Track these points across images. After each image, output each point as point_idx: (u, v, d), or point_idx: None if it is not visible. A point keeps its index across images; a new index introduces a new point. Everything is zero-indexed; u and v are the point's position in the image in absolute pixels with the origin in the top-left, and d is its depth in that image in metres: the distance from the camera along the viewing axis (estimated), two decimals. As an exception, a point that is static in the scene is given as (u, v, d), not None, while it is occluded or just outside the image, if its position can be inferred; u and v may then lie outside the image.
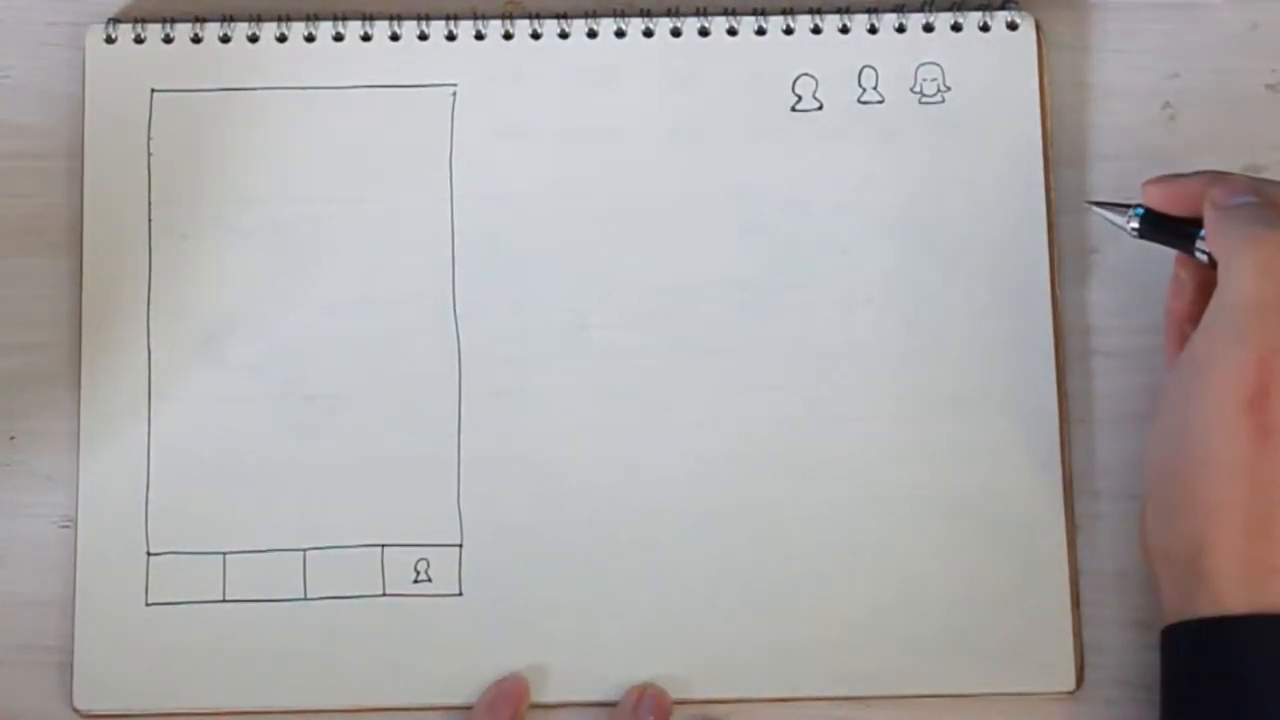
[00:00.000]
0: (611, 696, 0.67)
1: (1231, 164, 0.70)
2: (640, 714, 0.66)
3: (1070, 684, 0.67)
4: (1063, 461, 0.68)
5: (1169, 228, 0.65)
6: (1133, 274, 0.66)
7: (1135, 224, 0.66)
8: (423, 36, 0.70)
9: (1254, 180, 0.64)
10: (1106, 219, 0.67)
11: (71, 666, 0.67)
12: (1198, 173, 0.65)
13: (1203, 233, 0.64)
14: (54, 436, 0.68)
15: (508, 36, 0.71)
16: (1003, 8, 0.71)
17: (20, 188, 0.70)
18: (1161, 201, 0.65)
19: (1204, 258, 0.64)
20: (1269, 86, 0.71)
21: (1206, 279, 0.64)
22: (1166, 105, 0.71)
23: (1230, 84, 0.71)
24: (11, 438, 0.69)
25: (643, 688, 0.66)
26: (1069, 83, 0.71)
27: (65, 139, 0.70)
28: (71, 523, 0.68)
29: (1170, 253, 0.66)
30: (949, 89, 0.70)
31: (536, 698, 0.67)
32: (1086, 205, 0.69)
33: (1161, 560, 0.63)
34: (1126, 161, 0.70)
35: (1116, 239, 0.69)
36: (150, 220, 0.69)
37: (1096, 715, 0.67)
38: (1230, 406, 0.59)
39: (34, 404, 0.69)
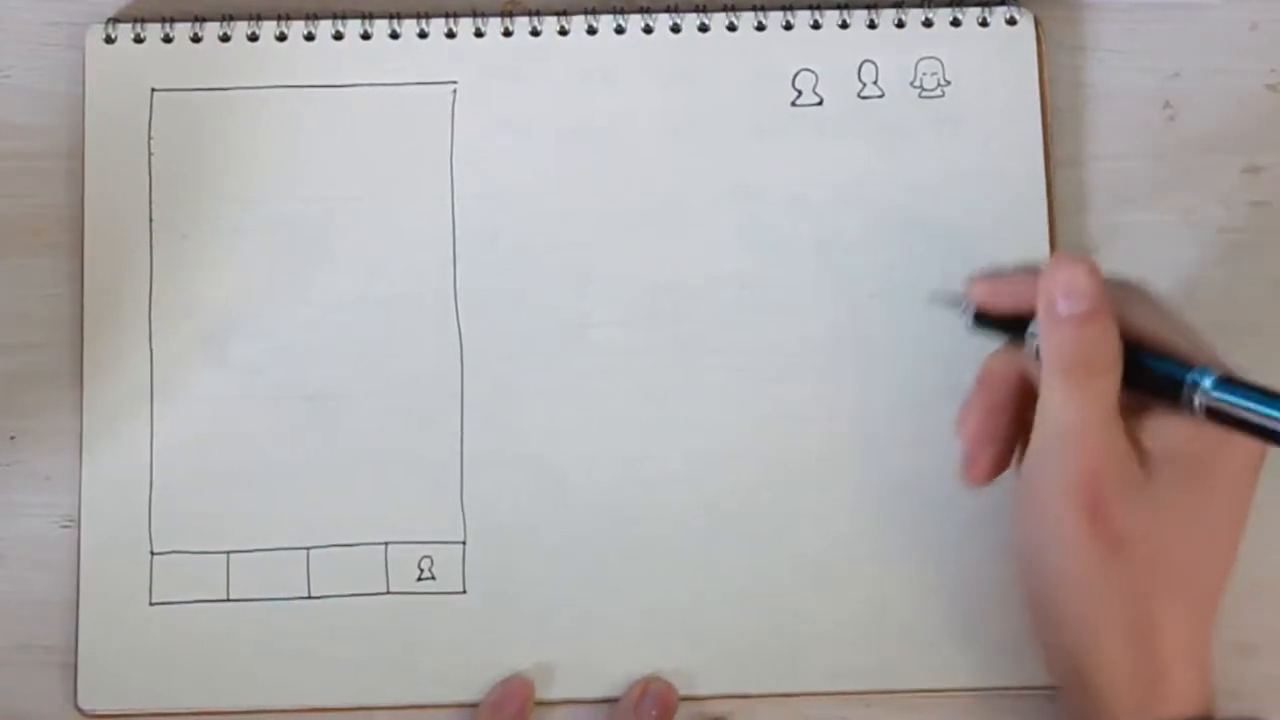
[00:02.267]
0: (615, 693, 0.67)
1: (1231, 164, 0.70)
2: (643, 709, 0.66)
3: (1069, 679, 0.68)
4: (1062, 459, 0.68)
5: (1000, 324, 0.63)
6: (1132, 274, 0.66)
7: (968, 319, 0.63)
8: (422, 34, 0.70)
9: (1092, 273, 0.60)
10: (949, 311, 0.65)
11: (75, 666, 0.67)
12: (1026, 269, 0.62)
13: (1032, 329, 0.61)
14: (56, 436, 0.68)
15: (507, 34, 0.70)
16: (1001, 3, 0.71)
17: (20, 188, 0.70)
18: (987, 298, 0.63)
19: (1035, 356, 0.61)
20: (1269, 86, 0.71)
21: (1023, 375, 0.63)
22: (1166, 105, 0.71)
23: (1230, 84, 0.71)
24: (12, 438, 0.69)
25: (645, 682, 0.67)
26: (1068, 82, 0.71)
27: (65, 139, 0.70)
28: (73, 522, 0.68)
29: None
30: (949, 83, 0.70)
31: (540, 695, 0.67)
32: (929, 301, 0.66)
33: (1051, 669, 0.63)
34: (1126, 161, 0.71)
35: (1116, 239, 0.69)
36: (151, 220, 0.69)
37: (1095, 710, 0.68)
38: (1071, 521, 0.59)
39: (35, 404, 0.69)
